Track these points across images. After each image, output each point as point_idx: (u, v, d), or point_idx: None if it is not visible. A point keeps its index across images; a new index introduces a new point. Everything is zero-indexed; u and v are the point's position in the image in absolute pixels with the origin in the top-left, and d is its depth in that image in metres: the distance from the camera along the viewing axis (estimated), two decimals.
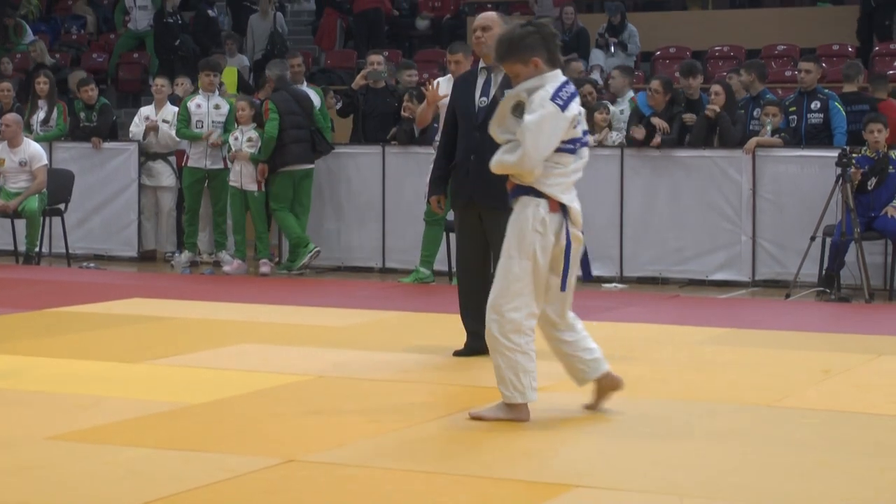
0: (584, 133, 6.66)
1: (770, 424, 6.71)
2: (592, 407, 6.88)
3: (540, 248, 6.50)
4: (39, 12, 23.39)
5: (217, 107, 14.59)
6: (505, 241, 6.61)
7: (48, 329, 9.82)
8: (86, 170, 15.25)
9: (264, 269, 13.96)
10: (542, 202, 6.51)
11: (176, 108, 14.95)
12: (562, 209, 6.52)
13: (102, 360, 8.38)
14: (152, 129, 15.04)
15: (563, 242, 6.51)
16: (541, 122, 6.42)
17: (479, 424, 6.59)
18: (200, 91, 14.74)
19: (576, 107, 6.55)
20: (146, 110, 15.52)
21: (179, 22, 20.25)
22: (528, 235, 6.50)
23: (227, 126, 14.53)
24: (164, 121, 15.08)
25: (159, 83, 15.55)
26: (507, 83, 8.47)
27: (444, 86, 12.28)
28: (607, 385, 6.85)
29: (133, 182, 15.28)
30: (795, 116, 13.29)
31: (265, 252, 14.12)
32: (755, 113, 13.48)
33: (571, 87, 6.59)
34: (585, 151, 6.66)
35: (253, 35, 20.05)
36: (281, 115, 13.70)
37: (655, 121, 13.38)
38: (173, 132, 14.85)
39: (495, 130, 6.64)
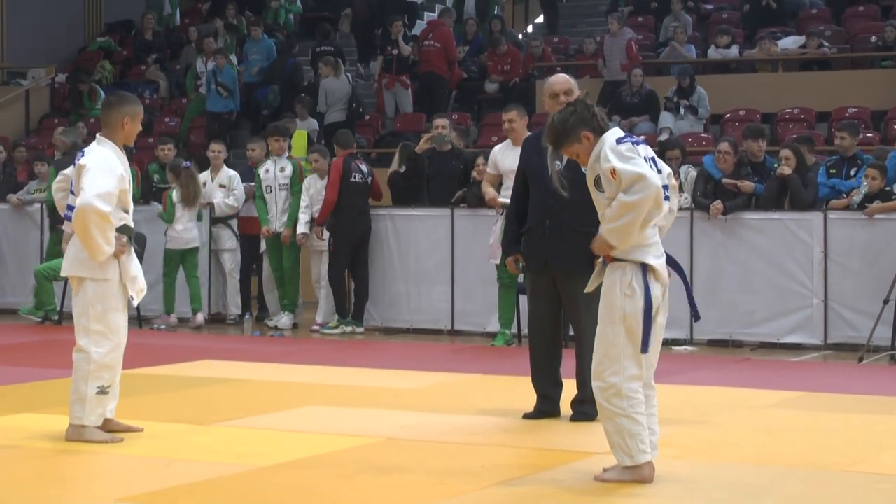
0: (664, 188, 6.60)
1: (844, 490, 6.62)
2: (599, 477, 6.66)
3: (631, 310, 6.49)
4: (113, 78, 23.72)
5: (282, 169, 14.81)
6: (600, 309, 6.60)
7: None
8: (157, 232, 15.32)
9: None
10: (628, 265, 6.53)
11: (232, 173, 15.23)
12: (642, 267, 6.51)
13: (172, 422, 8.41)
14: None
15: (643, 303, 6.49)
16: (624, 158, 6.39)
17: (550, 487, 6.55)
18: (271, 156, 14.95)
19: (643, 149, 6.55)
20: (203, 176, 15.66)
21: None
22: (617, 300, 6.51)
23: (293, 187, 14.70)
24: (220, 185, 15.22)
25: (216, 148, 15.65)
26: None
27: (500, 153, 12.29)
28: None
29: (203, 245, 15.37)
30: None
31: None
32: (852, 172, 13.34)
33: (633, 137, 6.62)
34: (666, 205, 6.64)
35: (327, 97, 20.10)
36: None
37: (727, 182, 13.30)
38: (230, 199, 15.17)
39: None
